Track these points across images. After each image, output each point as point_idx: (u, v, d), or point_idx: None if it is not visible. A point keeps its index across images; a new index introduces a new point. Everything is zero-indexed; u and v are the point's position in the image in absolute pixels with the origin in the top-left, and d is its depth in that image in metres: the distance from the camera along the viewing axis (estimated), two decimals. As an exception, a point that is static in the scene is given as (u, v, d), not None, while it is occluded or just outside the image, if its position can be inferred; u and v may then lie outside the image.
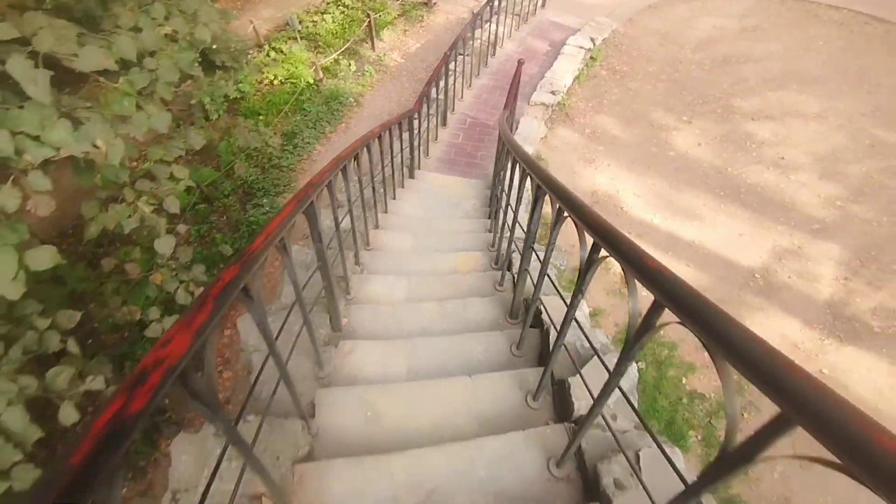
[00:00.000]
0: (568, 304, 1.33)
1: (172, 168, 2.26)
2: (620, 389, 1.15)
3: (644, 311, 0.89)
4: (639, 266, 0.87)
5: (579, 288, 1.22)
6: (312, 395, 1.70)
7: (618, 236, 0.96)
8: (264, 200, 5.55)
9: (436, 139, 5.60)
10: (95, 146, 1.50)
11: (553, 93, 6.12)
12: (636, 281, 0.92)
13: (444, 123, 5.79)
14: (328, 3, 9.31)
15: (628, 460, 1.18)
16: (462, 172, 5.20)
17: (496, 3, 6.33)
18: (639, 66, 7.05)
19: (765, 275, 4.84)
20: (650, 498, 1.04)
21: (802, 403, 0.52)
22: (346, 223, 2.61)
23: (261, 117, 6.94)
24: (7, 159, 1.35)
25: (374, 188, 3.28)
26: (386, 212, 3.76)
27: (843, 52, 7.00)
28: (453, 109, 5.98)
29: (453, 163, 5.37)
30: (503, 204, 2.81)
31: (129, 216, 2.17)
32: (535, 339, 2.21)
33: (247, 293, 0.90)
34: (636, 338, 0.92)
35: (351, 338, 2.13)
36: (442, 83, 5.44)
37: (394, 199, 4.09)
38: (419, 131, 4.70)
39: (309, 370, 1.85)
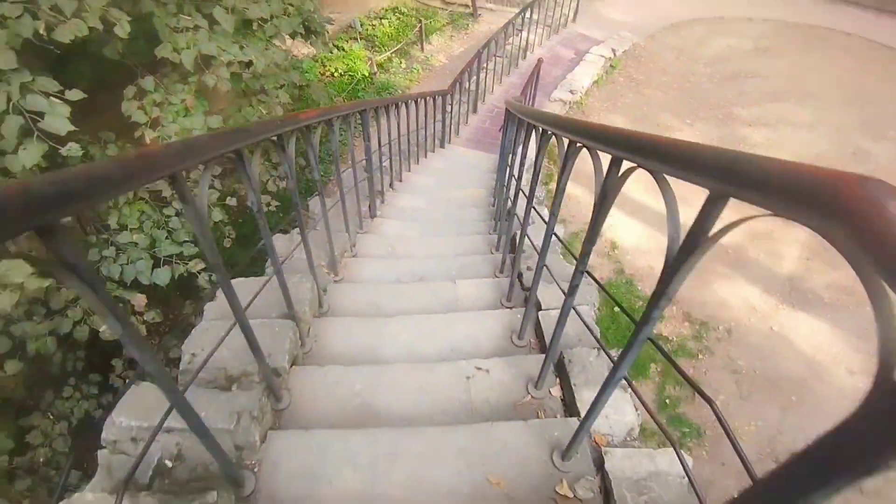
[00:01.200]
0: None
1: (278, 93, 3.47)
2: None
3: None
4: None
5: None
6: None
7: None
8: (321, 166, 6.75)
9: (466, 122, 6.67)
10: (250, 62, 2.66)
11: (571, 92, 7.10)
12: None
13: (475, 111, 6.86)
14: (386, 10, 10.61)
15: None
16: (485, 149, 6.24)
17: (528, 15, 7.39)
18: (654, 76, 7.95)
19: (737, 251, 5.64)
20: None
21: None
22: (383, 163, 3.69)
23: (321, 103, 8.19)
24: (212, 58, 2.53)
25: (409, 144, 4.37)
26: (418, 163, 4.85)
27: (844, 72, 7.70)
28: (483, 100, 7.05)
29: (479, 142, 6.41)
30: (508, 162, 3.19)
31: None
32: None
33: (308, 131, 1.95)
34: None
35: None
36: (475, 77, 6.52)
37: (425, 157, 5.18)
38: (451, 112, 5.78)
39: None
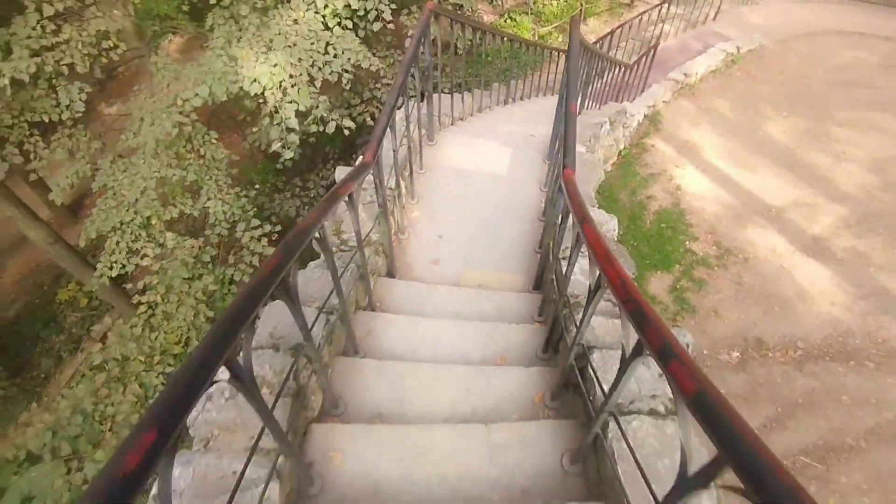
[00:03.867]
0: None
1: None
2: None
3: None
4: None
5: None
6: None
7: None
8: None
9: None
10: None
11: (686, 75, 8.80)
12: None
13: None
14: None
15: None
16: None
17: (665, 10, 9.15)
18: (771, 74, 9.23)
19: (778, 211, 7.14)
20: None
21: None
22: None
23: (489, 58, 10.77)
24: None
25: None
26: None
27: (959, 97, 8.33)
28: (611, 71, 9.05)
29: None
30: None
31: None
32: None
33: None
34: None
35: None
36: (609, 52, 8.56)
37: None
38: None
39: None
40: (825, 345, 5.81)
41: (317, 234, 1.49)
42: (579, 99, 4.03)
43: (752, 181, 7.57)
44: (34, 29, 4.18)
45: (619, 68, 7.33)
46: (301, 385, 1.73)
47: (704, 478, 0.78)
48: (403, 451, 1.73)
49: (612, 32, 8.13)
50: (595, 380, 1.68)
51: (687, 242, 6.89)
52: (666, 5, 9.12)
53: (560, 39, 11.33)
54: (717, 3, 10.31)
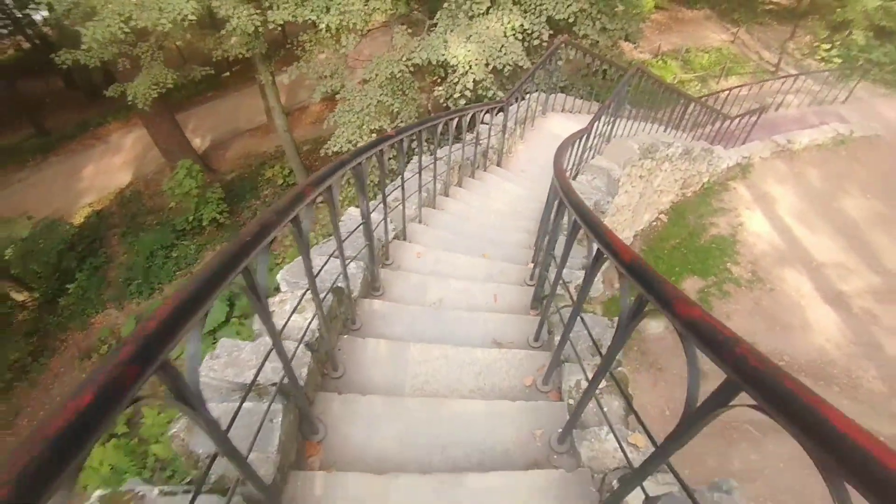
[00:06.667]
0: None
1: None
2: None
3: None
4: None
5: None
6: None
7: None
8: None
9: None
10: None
11: (789, 141, 10.21)
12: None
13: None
14: (714, 48, 14.30)
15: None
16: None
17: (791, 83, 10.55)
18: (874, 162, 10.23)
19: (819, 266, 8.47)
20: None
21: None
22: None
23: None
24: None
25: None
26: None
27: None
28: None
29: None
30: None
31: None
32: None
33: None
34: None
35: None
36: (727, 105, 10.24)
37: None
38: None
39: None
40: (806, 364, 7.32)
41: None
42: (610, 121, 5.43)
43: (809, 238, 8.94)
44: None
45: (713, 115, 9.13)
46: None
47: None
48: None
49: (727, 90, 9.86)
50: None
51: (728, 264, 8.57)
52: (799, 79, 10.55)
53: (699, 87, 12.99)
54: (851, 88, 11.37)
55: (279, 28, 7.69)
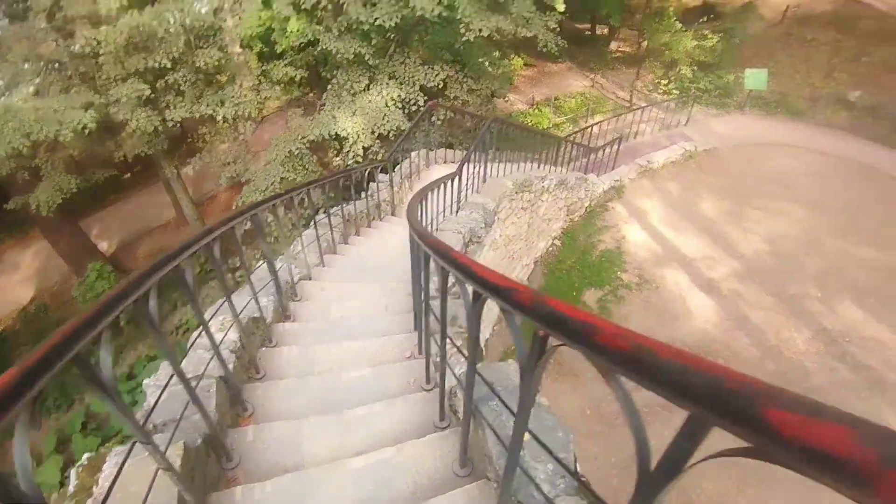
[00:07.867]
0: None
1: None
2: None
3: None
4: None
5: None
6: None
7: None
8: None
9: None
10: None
11: (648, 161, 11.95)
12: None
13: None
14: (577, 93, 16.46)
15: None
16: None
17: (641, 114, 12.48)
18: (717, 170, 12.19)
19: (690, 261, 9.87)
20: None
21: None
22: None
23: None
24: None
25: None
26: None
27: (853, 193, 10.94)
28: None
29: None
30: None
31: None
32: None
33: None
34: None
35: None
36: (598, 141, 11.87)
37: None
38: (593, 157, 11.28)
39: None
40: (694, 345, 8.41)
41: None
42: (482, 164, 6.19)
43: (678, 239, 10.41)
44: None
45: (582, 149, 10.62)
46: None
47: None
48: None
49: (591, 126, 11.51)
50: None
51: (619, 273, 9.76)
52: (648, 110, 12.49)
53: (570, 127, 14.82)
54: (690, 113, 13.56)
55: (178, 124, 8.24)
